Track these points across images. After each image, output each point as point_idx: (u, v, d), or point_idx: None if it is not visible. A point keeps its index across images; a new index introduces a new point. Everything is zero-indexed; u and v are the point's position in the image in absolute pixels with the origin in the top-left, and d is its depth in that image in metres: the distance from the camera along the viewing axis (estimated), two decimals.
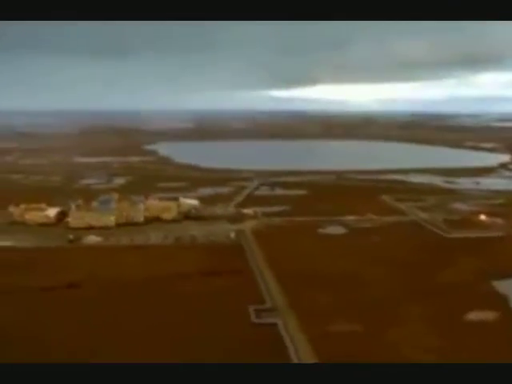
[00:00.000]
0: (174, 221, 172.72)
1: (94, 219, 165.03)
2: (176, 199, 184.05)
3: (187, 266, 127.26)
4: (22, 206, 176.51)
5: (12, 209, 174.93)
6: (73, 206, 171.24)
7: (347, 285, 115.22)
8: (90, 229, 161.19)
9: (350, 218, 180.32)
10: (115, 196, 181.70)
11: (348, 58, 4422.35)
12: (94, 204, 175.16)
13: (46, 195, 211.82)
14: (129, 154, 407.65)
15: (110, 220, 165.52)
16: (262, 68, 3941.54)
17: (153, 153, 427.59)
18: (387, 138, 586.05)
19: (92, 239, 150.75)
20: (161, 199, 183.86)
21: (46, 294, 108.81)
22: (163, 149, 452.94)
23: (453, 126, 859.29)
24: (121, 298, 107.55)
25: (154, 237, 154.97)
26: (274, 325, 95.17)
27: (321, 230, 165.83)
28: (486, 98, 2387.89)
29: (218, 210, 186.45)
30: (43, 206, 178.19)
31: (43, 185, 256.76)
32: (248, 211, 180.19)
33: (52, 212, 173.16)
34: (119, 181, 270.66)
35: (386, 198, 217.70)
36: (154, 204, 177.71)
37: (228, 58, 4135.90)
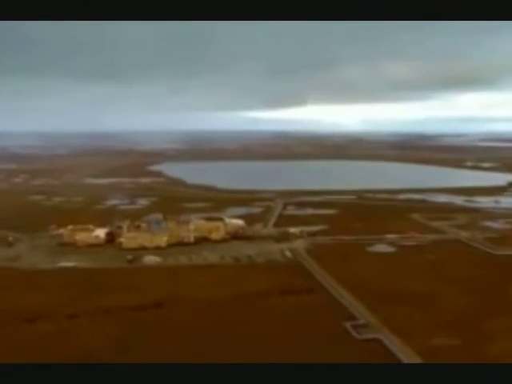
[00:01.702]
0: (222, 241, 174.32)
1: (146, 240, 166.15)
2: (221, 219, 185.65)
3: (260, 285, 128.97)
4: (70, 227, 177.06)
5: (62, 230, 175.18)
6: (125, 227, 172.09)
7: (427, 301, 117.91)
8: (142, 249, 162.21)
9: (392, 236, 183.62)
10: (160, 216, 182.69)
11: (334, 79, 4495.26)
12: (143, 225, 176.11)
13: (78, 216, 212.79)
14: (137, 175, 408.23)
15: (163, 240, 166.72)
16: (249, 90, 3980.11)
17: (160, 174, 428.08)
18: (384, 158, 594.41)
19: (152, 259, 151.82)
20: (207, 219, 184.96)
21: (139, 314, 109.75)
22: (168, 169, 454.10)
23: (444, 146, 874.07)
24: (212, 316, 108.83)
25: (211, 257, 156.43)
26: (378, 340, 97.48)
27: (370, 249, 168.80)
28: (466, 119, 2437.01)
29: (263, 230, 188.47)
30: (90, 226, 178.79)
31: (69, 206, 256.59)
32: (294, 230, 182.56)
33: (101, 233, 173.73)
34: (143, 202, 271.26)
35: (416, 216, 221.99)
36: (203, 224, 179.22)
37: (216, 81, 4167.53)
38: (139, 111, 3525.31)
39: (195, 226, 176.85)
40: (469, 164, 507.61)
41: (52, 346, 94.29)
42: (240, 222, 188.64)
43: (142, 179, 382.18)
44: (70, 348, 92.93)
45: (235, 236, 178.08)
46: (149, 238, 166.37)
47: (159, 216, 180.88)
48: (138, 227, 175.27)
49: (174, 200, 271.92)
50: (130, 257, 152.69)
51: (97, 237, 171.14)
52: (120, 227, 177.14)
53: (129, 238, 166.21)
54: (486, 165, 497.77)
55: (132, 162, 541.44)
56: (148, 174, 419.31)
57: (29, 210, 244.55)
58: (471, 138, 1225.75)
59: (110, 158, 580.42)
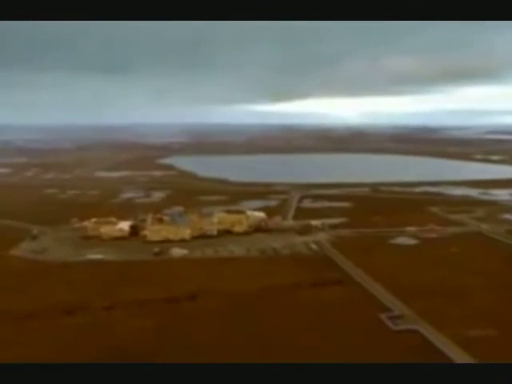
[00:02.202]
0: (244, 233, 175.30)
1: (170, 232, 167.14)
2: (243, 212, 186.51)
3: (290, 277, 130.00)
4: (93, 220, 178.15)
5: (85, 223, 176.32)
6: (148, 220, 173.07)
7: (458, 294, 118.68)
8: (166, 242, 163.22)
9: (412, 229, 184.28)
10: (182, 209, 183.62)
11: (337, 73, 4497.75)
12: (166, 218, 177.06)
13: (96, 209, 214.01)
14: (147, 168, 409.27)
15: (187, 233, 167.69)
16: (252, 84, 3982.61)
17: (170, 167, 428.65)
18: (390, 151, 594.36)
19: (178, 252, 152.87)
20: (229, 212, 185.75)
21: (174, 306, 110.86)
22: (178, 163, 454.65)
23: (450, 139, 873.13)
24: (247, 308, 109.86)
25: (237, 249, 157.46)
26: (415, 331, 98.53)
27: (392, 241, 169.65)
28: (469, 112, 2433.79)
29: (284, 222, 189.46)
30: (113, 219, 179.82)
31: (86, 200, 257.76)
32: (316, 223, 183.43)
33: (125, 226, 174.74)
34: (158, 195, 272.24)
35: (434, 209, 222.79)
36: (225, 217, 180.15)
37: (221, 76, 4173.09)
38: (141, 105, 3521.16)
39: (218, 218, 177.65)
40: (478, 157, 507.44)
41: (92, 337, 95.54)
42: (262, 214, 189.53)
43: (153, 172, 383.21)
44: (110, 340, 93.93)
45: (257, 229, 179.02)
46: (173, 231, 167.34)
47: (181, 209, 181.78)
48: (161, 220, 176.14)
49: (189, 193, 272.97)
50: (156, 249, 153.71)
51: (121, 230, 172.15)
52: (143, 220, 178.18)
53: (153, 231, 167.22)
54: (495, 158, 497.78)
55: (140, 155, 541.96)
56: (158, 167, 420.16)
57: (46, 203, 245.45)
58: (476, 130, 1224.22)
59: (117, 152, 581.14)
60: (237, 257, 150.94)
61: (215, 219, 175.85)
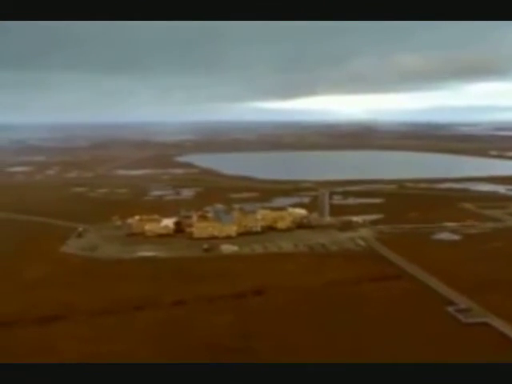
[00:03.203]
0: (287, 230, 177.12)
1: (216, 229, 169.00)
2: (284, 209, 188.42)
3: (348, 272, 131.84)
4: (137, 218, 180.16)
5: (130, 220, 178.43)
6: (194, 217, 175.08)
7: None
8: (212, 239, 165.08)
9: (451, 224, 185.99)
10: (224, 207, 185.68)
11: (344, 70, 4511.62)
12: (209, 214, 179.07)
13: (131, 207, 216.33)
14: (167, 166, 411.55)
15: (232, 230, 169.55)
16: (260, 82, 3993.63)
17: (189, 164, 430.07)
18: (403, 147, 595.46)
19: (228, 248, 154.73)
20: (272, 209, 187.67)
21: (242, 301, 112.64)
22: (196, 160, 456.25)
23: (459, 136, 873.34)
24: (316, 303, 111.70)
25: (285, 245, 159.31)
26: (486, 324, 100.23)
27: (435, 237, 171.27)
28: (476, 108, 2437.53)
29: (324, 219, 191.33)
30: (156, 217, 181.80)
31: (117, 198, 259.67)
32: (356, 219, 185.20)
33: (169, 223, 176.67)
34: (187, 192, 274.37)
35: (467, 205, 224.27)
36: (268, 213, 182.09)
37: (228, 75, 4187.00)
38: (147, 103, 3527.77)
39: (262, 215, 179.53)
40: (494, 153, 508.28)
41: (179, 333, 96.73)
42: (303, 211, 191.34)
43: (174, 170, 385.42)
44: (198, 335, 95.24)
45: (300, 225, 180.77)
46: (219, 228, 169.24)
47: (223, 207, 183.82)
48: (204, 217, 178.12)
49: (218, 190, 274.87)
50: (205, 246, 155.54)
51: (166, 227, 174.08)
52: (186, 217, 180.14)
53: (199, 228, 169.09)
54: (510, 154, 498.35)
55: (155, 153, 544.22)
56: (178, 165, 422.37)
57: (78, 201, 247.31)
58: (484, 127, 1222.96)
59: (132, 150, 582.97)
60: (287, 252, 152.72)
61: (259, 216, 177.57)
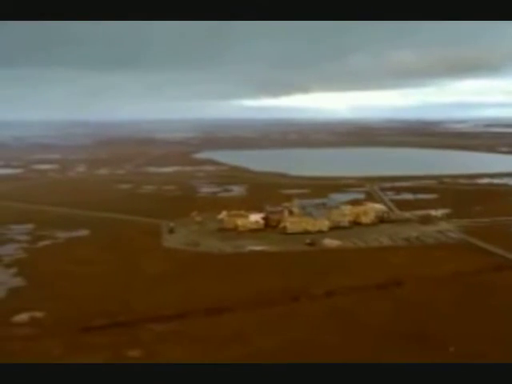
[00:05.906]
0: (372, 224, 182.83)
1: (309, 224, 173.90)
2: (363, 204, 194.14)
3: (463, 263, 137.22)
4: (225, 213, 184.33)
5: (222, 215, 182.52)
6: (286, 212, 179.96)
7: None
8: (305, 233, 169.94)
9: None
10: (308, 201, 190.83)
11: (336, 68, 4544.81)
12: (295, 209, 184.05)
13: (196, 202, 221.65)
14: (194, 163, 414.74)
15: (325, 225, 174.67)
16: (251, 79, 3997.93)
17: (213, 161, 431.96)
18: (409, 144, 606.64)
19: (332, 243, 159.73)
20: (354, 204, 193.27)
21: (383, 291, 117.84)
22: (215, 157, 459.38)
23: (454, 133, 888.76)
24: (455, 291, 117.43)
25: (381, 239, 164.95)
26: None
27: None
28: (462, 105, 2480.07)
29: (402, 214, 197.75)
30: (243, 212, 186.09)
31: (172, 194, 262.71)
32: (435, 213, 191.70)
33: (258, 218, 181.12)
34: (237, 189, 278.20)
35: None
36: (351, 208, 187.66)
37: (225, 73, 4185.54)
38: (140, 100, 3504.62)
39: (348, 210, 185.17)
40: (503, 149, 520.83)
41: (346, 320, 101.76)
42: (382, 206, 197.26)
43: (203, 167, 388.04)
44: (367, 323, 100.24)
45: (381, 219, 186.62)
46: (312, 223, 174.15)
47: (309, 201, 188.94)
48: (291, 212, 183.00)
49: (267, 187, 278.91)
50: (308, 240, 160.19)
51: (257, 222, 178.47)
52: (272, 212, 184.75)
53: (293, 223, 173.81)
54: None
55: (170, 150, 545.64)
56: (202, 162, 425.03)
57: (137, 198, 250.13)
58: (474, 123, 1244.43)
59: (143, 148, 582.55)
60: (389, 246, 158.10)
61: (347, 211, 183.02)
